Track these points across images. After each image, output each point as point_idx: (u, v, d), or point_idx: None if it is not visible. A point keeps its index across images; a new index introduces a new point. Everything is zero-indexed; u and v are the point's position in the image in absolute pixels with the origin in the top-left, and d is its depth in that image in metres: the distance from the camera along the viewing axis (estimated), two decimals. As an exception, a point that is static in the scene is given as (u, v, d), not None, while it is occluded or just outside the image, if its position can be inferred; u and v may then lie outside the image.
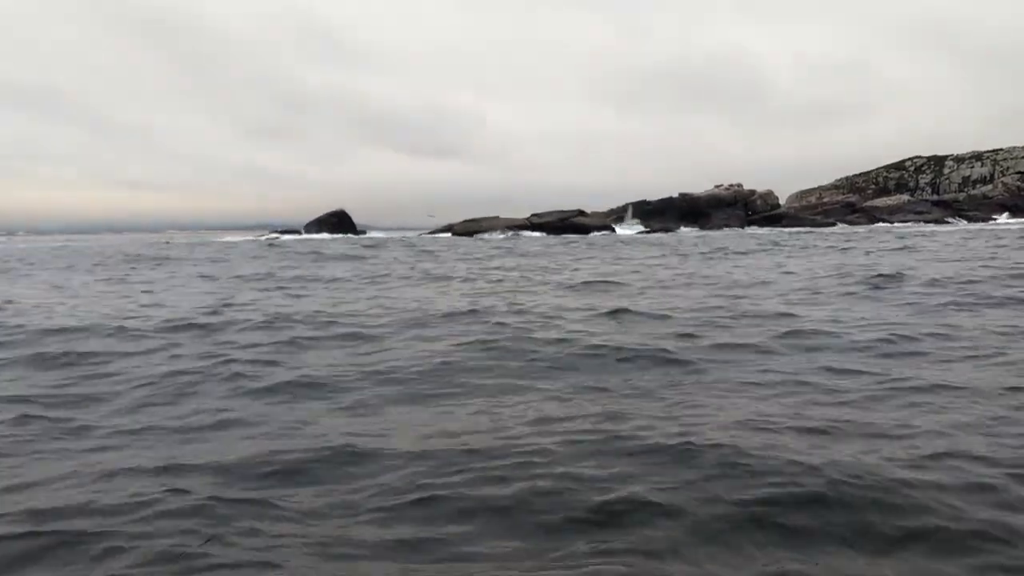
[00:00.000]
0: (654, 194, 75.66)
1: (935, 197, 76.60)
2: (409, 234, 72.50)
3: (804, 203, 78.82)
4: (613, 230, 65.78)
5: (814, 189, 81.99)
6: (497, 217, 73.08)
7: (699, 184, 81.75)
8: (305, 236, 62.19)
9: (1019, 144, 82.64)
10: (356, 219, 70.72)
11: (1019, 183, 76.42)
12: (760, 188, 74.45)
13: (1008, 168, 79.42)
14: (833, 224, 65.80)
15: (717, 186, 74.40)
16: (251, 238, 64.91)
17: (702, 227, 67.84)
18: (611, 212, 75.55)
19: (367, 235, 65.78)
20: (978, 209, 71.31)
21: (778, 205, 75.24)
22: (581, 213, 72.46)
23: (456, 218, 71.02)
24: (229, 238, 68.85)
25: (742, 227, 66.70)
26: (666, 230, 63.60)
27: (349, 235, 63.98)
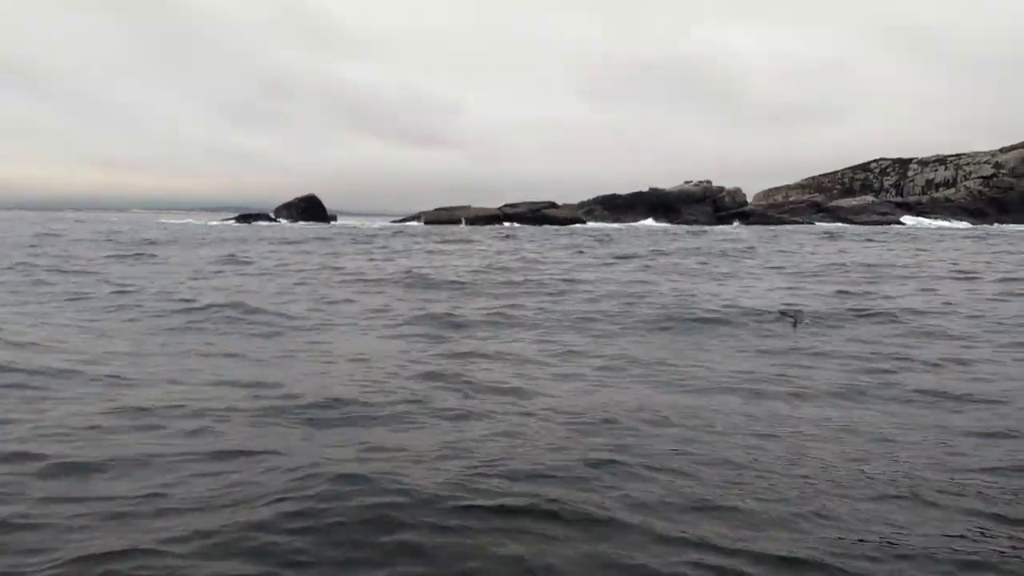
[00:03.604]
0: (627, 188, 76.13)
1: (899, 199, 78.00)
2: (381, 222, 72.25)
3: (771, 201, 79.87)
4: (584, 222, 66.19)
5: (781, 188, 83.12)
6: (469, 207, 73.06)
7: (670, 179, 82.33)
8: (253, 224, 61.51)
9: (982, 149, 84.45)
10: (331, 205, 70.42)
11: (981, 187, 78.07)
12: (729, 185, 75.35)
13: (971, 172, 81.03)
14: (800, 222, 66.84)
15: (687, 182, 75.08)
16: (202, 222, 64.15)
17: (671, 221, 68.49)
18: (582, 204, 75.85)
19: (335, 223, 65.34)
20: (939, 212, 72.79)
21: (746, 203, 76.16)
22: (552, 205, 72.72)
23: (430, 206, 70.98)
24: (168, 220, 67.95)
25: (710, 223, 67.45)
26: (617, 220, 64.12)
27: (310, 223, 63.41)
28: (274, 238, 32.87)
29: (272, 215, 66.47)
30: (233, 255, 22.28)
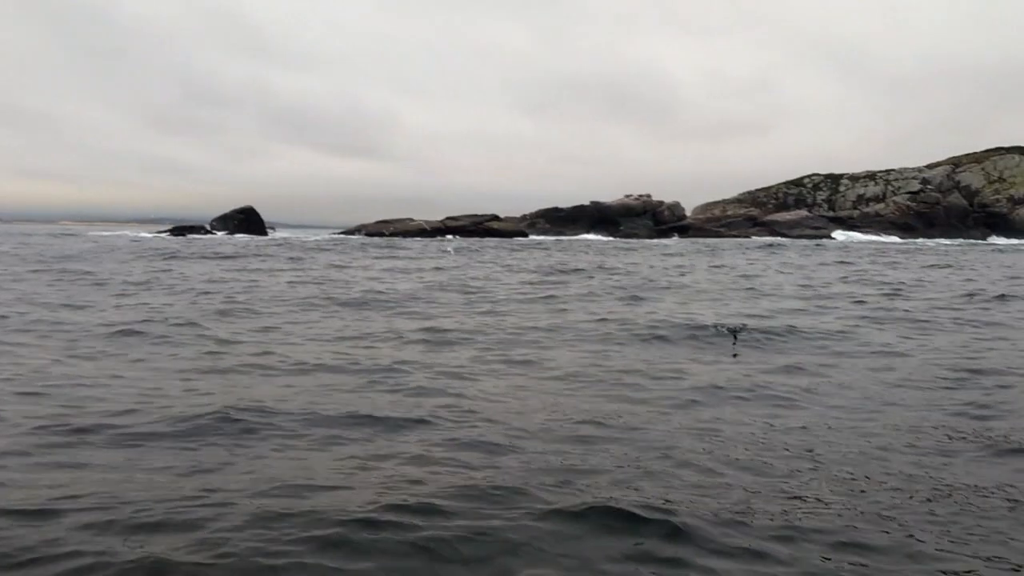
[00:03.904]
0: (568, 201, 76.76)
1: (831, 213, 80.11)
2: (321, 234, 71.38)
3: (709, 215, 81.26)
4: (527, 235, 66.41)
5: (719, 202, 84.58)
6: (411, 219, 72.77)
7: (611, 193, 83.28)
8: (189, 237, 60.28)
9: (910, 165, 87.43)
10: (270, 216, 69.38)
11: (909, 202, 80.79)
12: (668, 199, 76.51)
13: (899, 188, 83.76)
14: (737, 236, 68.18)
15: (627, 196, 75.96)
16: (127, 233, 62.41)
17: (612, 234, 69.22)
18: (524, 217, 76.12)
19: (274, 235, 64.30)
20: (870, 226, 75.05)
21: (684, 216, 77.37)
22: (495, 218, 72.88)
23: (371, 218, 70.58)
24: (99, 232, 65.97)
25: (650, 236, 68.35)
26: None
27: (247, 236, 62.25)
28: (204, 253, 31.99)
29: (208, 227, 65.01)
30: (151, 275, 21.47)
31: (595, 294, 16.14)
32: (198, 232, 61.95)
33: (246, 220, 65.53)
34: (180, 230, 61.80)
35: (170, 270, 22.01)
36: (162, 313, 11.86)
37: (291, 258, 28.85)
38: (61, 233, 63.65)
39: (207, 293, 15.42)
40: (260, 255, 30.65)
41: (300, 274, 21.21)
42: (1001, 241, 62.96)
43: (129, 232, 67.42)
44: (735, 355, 8.82)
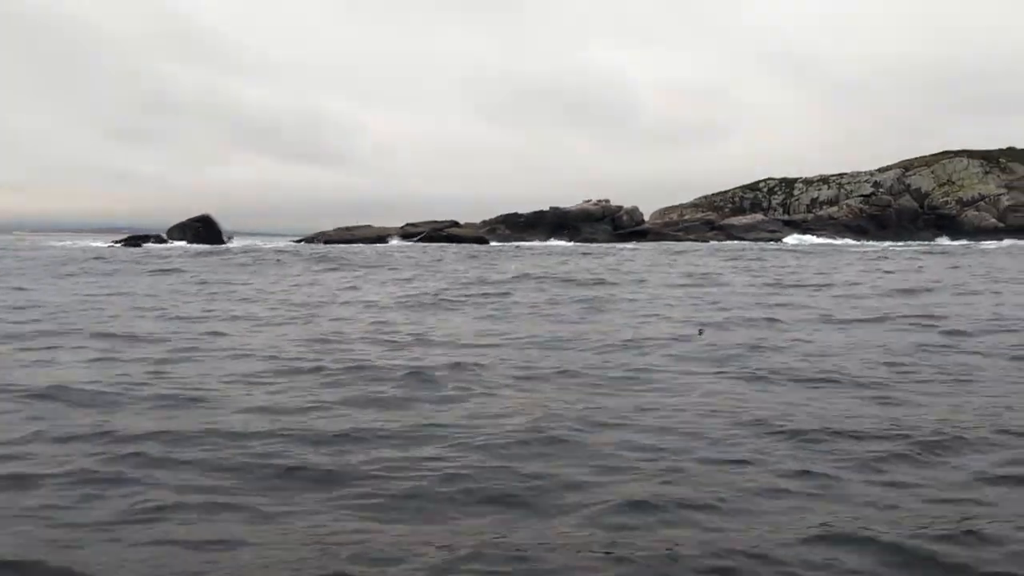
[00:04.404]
0: (528, 206, 77.42)
1: (786, 217, 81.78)
2: (280, 242, 71.16)
3: (667, 220, 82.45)
4: (487, 242, 66.78)
5: (676, 207, 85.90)
6: (370, 226, 72.98)
7: (571, 198, 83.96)
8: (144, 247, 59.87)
9: (862, 169, 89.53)
10: (229, 224, 68.89)
11: (861, 205, 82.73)
12: (627, 204, 77.39)
13: (852, 191, 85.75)
14: (694, 239, 69.28)
15: (587, 201, 76.73)
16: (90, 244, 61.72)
17: (572, 240, 69.88)
18: (485, 223, 76.54)
19: (232, 244, 63.91)
20: (824, 229, 76.70)
21: (643, 221, 78.37)
22: (455, 224, 73.28)
23: (330, 225, 70.68)
24: (56, 242, 65.09)
25: (610, 241, 69.16)
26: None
27: (204, 245, 61.85)
28: (153, 266, 31.48)
29: (164, 236, 64.47)
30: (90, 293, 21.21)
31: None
32: (155, 241, 61.45)
33: (203, 229, 65.04)
34: (135, 239, 61.21)
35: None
36: None
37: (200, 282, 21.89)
38: (10, 244, 62.42)
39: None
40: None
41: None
42: (945, 242, 64.69)
43: (70, 242, 66.53)
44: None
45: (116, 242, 61.56)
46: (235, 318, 12.83)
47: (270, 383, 7.49)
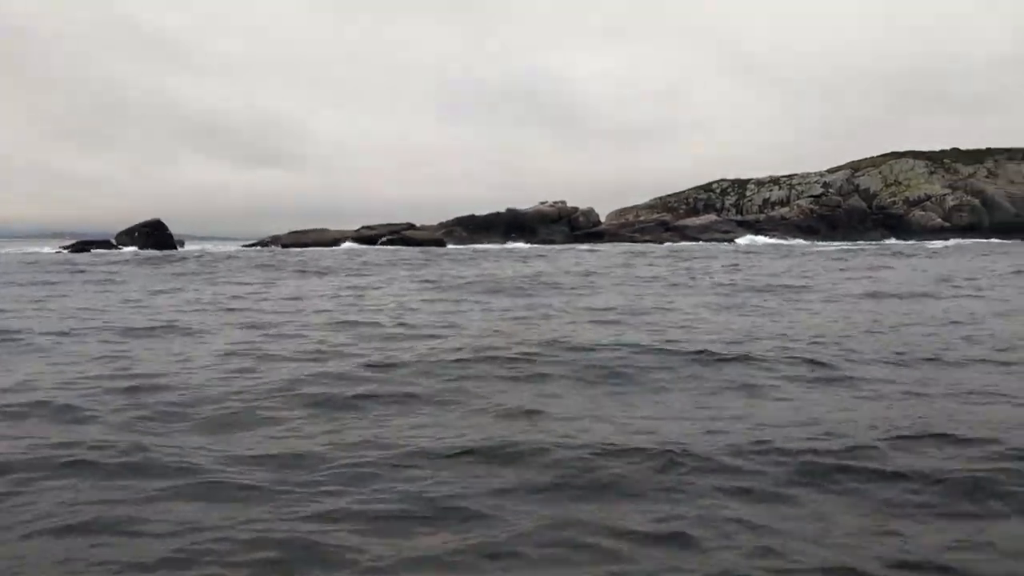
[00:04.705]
0: (484, 208, 77.47)
1: (739, 217, 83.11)
2: (232, 246, 70.19)
3: (623, 221, 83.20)
4: (444, 244, 66.63)
5: (631, 208, 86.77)
6: (325, 229, 72.37)
7: (527, 199, 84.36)
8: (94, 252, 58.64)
9: (812, 170, 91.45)
10: (179, 229, 67.71)
11: (812, 206, 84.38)
12: (583, 205, 77.89)
13: (802, 192, 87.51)
14: (650, 240, 69.99)
15: (543, 203, 77.03)
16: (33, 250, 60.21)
17: (528, 241, 70.10)
18: (442, 225, 76.36)
19: (183, 249, 62.93)
20: (776, 229, 78.06)
21: (599, 222, 78.95)
22: (412, 227, 72.99)
23: (284, 228, 70.04)
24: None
25: (566, 242, 69.56)
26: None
27: (154, 251, 60.78)
28: (96, 277, 30.92)
29: (114, 241, 63.09)
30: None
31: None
32: (103, 247, 60.11)
33: (153, 234, 63.78)
34: (83, 245, 59.77)
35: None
36: None
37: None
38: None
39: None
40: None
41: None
42: (892, 241, 66.31)
43: (38, 248, 64.81)
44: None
45: (64, 247, 60.06)
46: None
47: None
